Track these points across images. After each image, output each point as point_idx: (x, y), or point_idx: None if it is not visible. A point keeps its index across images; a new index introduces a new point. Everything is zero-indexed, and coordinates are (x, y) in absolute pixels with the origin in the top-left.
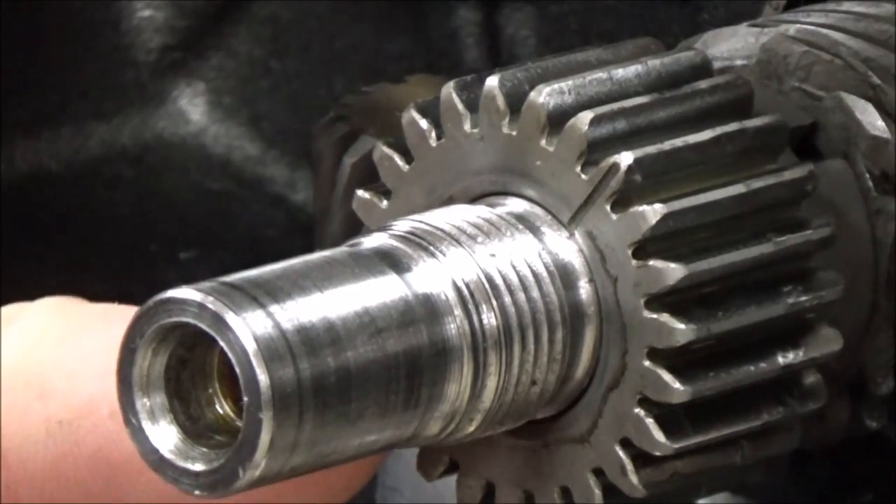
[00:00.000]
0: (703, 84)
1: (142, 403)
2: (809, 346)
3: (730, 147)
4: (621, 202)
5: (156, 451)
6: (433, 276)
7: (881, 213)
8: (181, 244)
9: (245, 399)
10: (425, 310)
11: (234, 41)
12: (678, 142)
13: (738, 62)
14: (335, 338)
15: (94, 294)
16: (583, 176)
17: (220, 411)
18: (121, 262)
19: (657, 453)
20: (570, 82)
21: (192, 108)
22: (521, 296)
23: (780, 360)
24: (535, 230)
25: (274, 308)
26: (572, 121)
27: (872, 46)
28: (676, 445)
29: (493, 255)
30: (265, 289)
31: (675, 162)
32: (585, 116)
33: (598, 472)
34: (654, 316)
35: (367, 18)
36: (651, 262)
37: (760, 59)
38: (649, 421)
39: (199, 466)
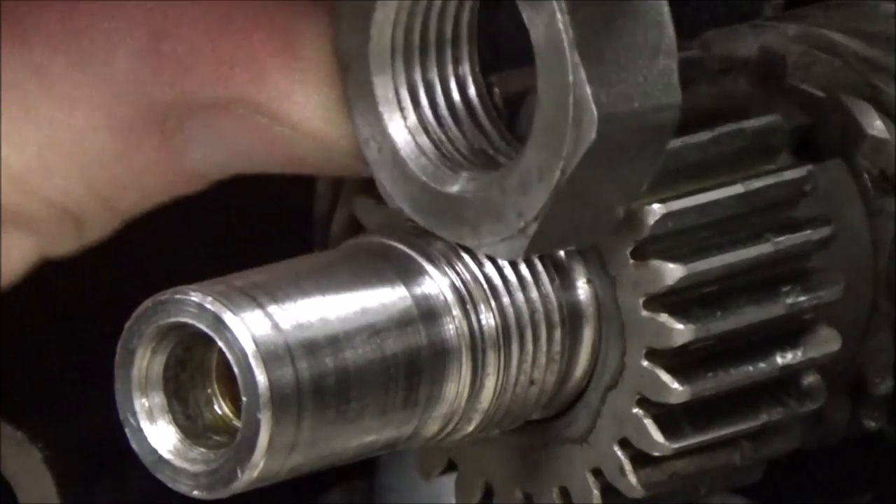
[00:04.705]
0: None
1: (140, 404)
2: (808, 347)
3: (728, 147)
4: None
5: (154, 451)
6: (432, 277)
7: (880, 213)
8: None
9: (244, 399)
10: (424, 310)
11: None
12: (677, 142)
13: (738, 62)
14: (334, 338)
15: None
16: None
17: (219, 411)
18: None
19: (656, 453)
20: None
21: None
22: (520, 296)
23: (779, 360)
24: None
25: (273, 308)
26: None
27: (871, 47)
28: (675, 445)
29: None
30: (264, 289)
31: (674, 162)
32: None
33: (597, 473)
34: (653, 316)
35: None
36: (650, 262)
37: (760, 59)
38: (648, 421)
39: (197, 467)
